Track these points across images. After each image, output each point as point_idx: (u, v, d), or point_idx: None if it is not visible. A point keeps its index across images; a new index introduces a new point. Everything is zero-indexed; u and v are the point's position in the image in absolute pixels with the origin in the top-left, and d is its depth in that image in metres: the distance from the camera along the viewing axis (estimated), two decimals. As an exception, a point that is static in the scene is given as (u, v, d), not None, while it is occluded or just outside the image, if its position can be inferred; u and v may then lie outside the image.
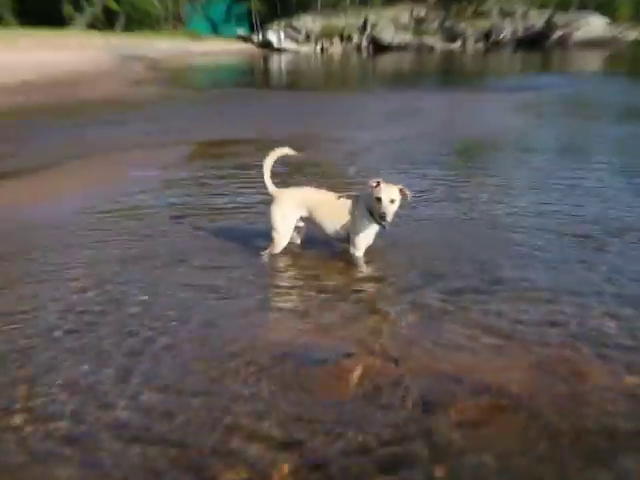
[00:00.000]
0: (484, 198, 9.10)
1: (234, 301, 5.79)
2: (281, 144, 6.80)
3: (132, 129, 17.39)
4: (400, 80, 33.67)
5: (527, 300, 5.72)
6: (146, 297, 5.99)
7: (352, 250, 6.53)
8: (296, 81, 35.72)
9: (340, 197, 6.56)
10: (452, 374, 4.55)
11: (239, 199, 9.29)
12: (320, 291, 6.01)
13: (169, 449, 3.98)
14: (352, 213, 6.40)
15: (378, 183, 6.03)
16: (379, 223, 6.17)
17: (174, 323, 5.49)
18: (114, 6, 73.48)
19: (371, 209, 6.17)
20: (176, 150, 13.89)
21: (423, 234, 7.49)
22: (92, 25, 70.96)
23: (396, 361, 4.65)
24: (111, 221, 8.38)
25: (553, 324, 5.31)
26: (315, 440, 3.97)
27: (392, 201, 5.96)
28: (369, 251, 6.67)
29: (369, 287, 6.13)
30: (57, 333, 5.36)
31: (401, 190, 6.02)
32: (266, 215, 6.70)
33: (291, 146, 6.76)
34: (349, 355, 4.71)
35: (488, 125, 16.25)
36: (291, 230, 6.73)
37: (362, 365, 4.59)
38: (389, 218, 5.99)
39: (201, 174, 11.30)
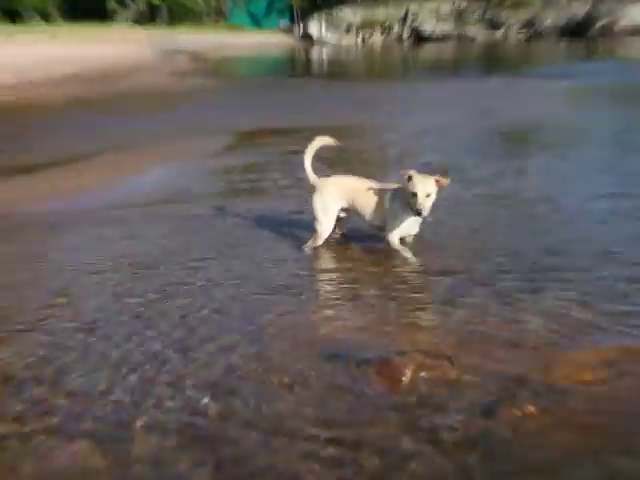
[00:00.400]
0: (531, 186, 8.80)
1: (279, 297, 5.59)
2: (324, 133, 6.64)
3: (179, 119, 17.48)
4: (442, 69, 33.30)
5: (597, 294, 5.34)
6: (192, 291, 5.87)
7: (388, 237, 6.34)
8: (338, 72, 35.38)
9: (382, 186, 6.37)
10: (511, 374, 4.27)
11: (282, 186, 9.25)
12: (366, 286, 5.79)
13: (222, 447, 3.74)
14: (390, 205, 6.22)
15: (411, 177, 5.82)
16: (417, 214, 5.94)
17: (218, 316, 5.31)
18: (157, 1, 73.84)
19: (408, 202, 5.97)
20: (222, 138, 14.08)
21: (470, 223, 7.24)
22: (136, 20, 71.40)
23: (450, 359, 4.39)
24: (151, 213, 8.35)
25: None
26: (364, 447, 3.69)
27: (428, 195, 5.78)
28: (417, 241, 6.47)
29: (417, 282, 5.85)
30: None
31: (437, 181, 5.81)
32: (308, 205, 6.56)
33: (334, 135, 6.58)
34: (400, 353, 4.44)
35: (534, 113, 15.89)
36: (333, 221, 6.54)
37: (415, 364, 4.33)
38: (426, 213, 5.83)
39: (245, 161, 11.38)
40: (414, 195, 5.78)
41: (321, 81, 29.30)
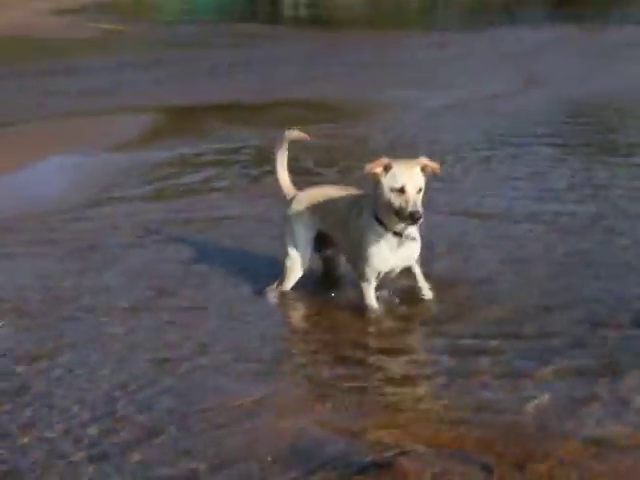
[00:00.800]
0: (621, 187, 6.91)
1: (229, 379, 4.18)
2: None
3: (60, 85, 14.43)
4: (487, 10, 25.56)
5: None
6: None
7: (359, 281, 4.80)
8: (326, 16, 25.42)
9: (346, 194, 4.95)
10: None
11: (230, 205, 7.19)
12: (343, 358, 4.37)
13: None
14: (353, 223, 4.70)
15: (389, 166, 4.37)
16: (396, 233, 4.47)
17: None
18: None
19: (378, 214, 4.51)
20: (132, 121, 11.48)
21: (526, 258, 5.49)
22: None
23: (488, 468, 3.24)
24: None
25: None
26: None
27: (420, 190, 4.37)
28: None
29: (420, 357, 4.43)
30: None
31: (424, 167, 4.45)
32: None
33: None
34: (405, 453, 3.38)
35: (629, 81, 12.63)
36: (307, 254, 5.04)
37: (430, 470, 3.22)
38: (422, 214, 4.30)
39: (172, 158, 9.07)
40: (400, 191, 4.28)
41: (299, 31, 22.35)
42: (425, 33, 20.51)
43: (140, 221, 6.76)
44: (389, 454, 3.41)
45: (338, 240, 4.89)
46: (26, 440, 3.56)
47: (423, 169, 4.42)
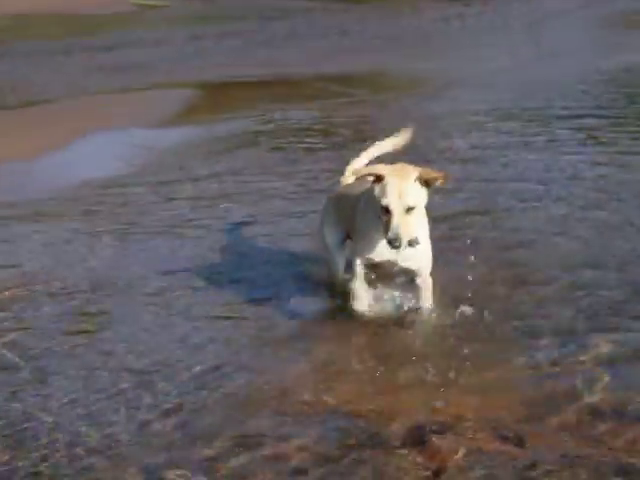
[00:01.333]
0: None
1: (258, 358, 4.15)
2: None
3: (98, 61, 14.51)
4: None
5: None
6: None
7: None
8: None
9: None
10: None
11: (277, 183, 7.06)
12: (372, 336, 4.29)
13: None
14: (357, 211, 4.34)
15: (380, 177, 3.86)
16: (390, 244, 3.86)
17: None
18: None
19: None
20: (170, 96, 11.46)
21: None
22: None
23: (520, 440, 3.22)
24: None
25: None
26: None
27: (409, 210, 3.80)
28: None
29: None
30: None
31: (422, 178, 3.85)
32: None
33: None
34: (440, 431, 3.33)
35: None
36: (335, 257, 4.67)
37: (464, 446, 3.19)
38: (404, 243, 3.79)
39: (215, 135, 8.96)
40: (385, 211, 3.79)
41: (332, 3, 21.50)
42: (444, 4, 19.88)
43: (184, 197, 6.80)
44: (422, 431, 3.37)
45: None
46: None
47: (425, 181, 3.87)
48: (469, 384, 3.71)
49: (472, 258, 4.61)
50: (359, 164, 4.59)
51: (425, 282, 4.15)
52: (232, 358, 4.09)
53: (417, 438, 3.30)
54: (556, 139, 7.88)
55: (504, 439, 3.27)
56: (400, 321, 4.26)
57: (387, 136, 4.71)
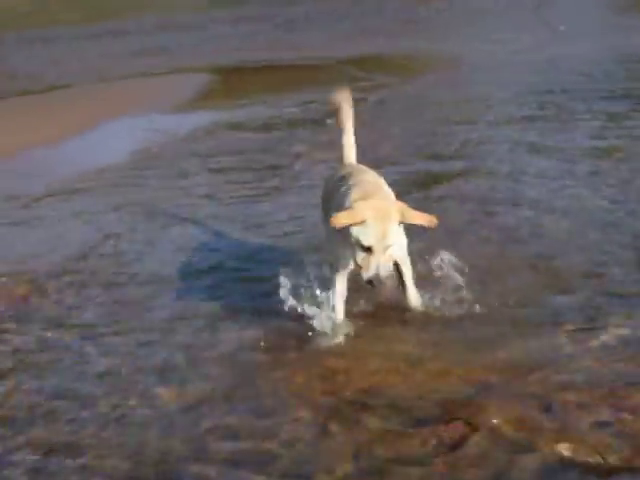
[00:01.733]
0: None
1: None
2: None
3: (115, 47, 14.51)
4: None
5: None
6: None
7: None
8: None
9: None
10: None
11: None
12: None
13: None
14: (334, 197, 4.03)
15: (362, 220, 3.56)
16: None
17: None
18: None
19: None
20: (188, 81, 11.43)
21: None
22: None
23: (548, 408, 3.16)
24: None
25: None
26: None
27: (388, 247, 3.60)
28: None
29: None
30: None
31: (403, 221, 3.63)
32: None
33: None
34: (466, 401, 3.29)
35: None
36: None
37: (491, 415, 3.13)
38: (382, 281, 3.68)
39: (234, 120, 8.86)
40: (363, 249, 3.56)
41: None
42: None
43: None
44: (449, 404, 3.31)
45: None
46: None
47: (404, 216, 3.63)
48: (490, 358, 3.63)
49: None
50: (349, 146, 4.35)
51: (405, 266, 3.98)
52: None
53: (444, 411, 3.24)
54: (577, 118, 7.72)
55: (532, 407, 3.21)
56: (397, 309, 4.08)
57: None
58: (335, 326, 3.95)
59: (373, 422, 3.25)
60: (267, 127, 8.62)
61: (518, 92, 9.01)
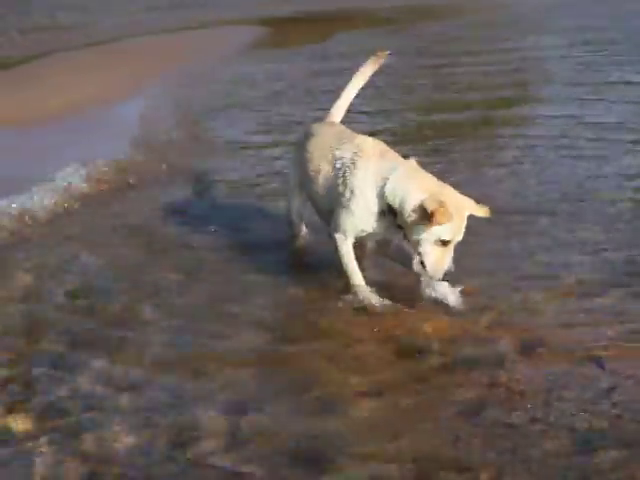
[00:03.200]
0: None
1: None
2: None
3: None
4: None
5: None
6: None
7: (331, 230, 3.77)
8: None
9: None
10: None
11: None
12: None
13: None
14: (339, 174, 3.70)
15: (441, 205, 3.26)
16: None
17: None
18: None
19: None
20: (236, 33, 11.43)
21: None
22: None
23: (600, 361, 3.15)
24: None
25: None
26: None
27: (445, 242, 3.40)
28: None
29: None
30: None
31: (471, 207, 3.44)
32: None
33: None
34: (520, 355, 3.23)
35: None
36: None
37: (544, 369, 3.12)
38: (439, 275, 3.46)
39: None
40: (442, 244, 3.39)
41: None
42: None
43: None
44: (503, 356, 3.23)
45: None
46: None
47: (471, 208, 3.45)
48: (542, 311, 3.59)
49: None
50: (342, 104, 4.18)
51: None
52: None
53: (500, 362, 3.18)
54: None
55: (584, 362, 3.17)
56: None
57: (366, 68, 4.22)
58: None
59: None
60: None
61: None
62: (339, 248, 3.63)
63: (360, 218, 3.52)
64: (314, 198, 3.85)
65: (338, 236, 3.61)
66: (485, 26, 10.25)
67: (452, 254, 3.40)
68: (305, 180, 3.87)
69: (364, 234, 3.64)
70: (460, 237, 3.39)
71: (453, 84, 7.85)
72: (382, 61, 4.24)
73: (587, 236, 4.29)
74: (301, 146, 3.96)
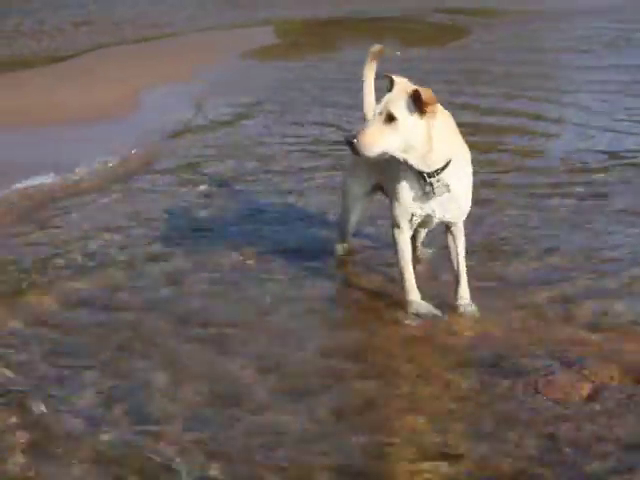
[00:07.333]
0: None
1: None
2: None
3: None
4: None
5: None
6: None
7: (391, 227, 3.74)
8: None
9: None
10: None
11: None
12: None
13: None
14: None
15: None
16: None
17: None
18: None
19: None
20: (274, 33, 12.11)
21: None
22: None
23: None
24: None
25: None
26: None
27: (391, 119, 3.20)
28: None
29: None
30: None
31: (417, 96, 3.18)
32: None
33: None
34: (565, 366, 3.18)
35: None
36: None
37: (589, 381, 3.08)
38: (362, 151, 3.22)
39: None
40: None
41: None
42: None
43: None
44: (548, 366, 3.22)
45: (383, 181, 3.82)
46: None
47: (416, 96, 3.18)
48: (591, 322, 3.57)
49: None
50: (369, 105, 3.98)
51: (460, 230, 3.65)
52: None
53: (544, 372, 3.16)
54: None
55: (630, 374, 3.12)
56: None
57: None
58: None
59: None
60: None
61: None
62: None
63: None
64: None
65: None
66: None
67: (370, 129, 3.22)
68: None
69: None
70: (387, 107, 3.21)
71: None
72: (380, 55, 4.00)
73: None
74: None
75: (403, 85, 3.26)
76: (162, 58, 10.21)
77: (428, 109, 3.19)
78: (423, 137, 3.23)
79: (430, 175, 3.30)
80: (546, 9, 12.65)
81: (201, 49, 10.78)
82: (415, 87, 3.20)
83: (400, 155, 3.27)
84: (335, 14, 13.14)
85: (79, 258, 4.49)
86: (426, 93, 3.17)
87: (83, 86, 8.77)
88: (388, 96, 3.24)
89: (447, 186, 3.36)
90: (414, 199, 3.44)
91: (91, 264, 4.41)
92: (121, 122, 7.59)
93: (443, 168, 3.33)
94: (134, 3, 15.13)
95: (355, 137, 3.18)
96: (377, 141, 3.19)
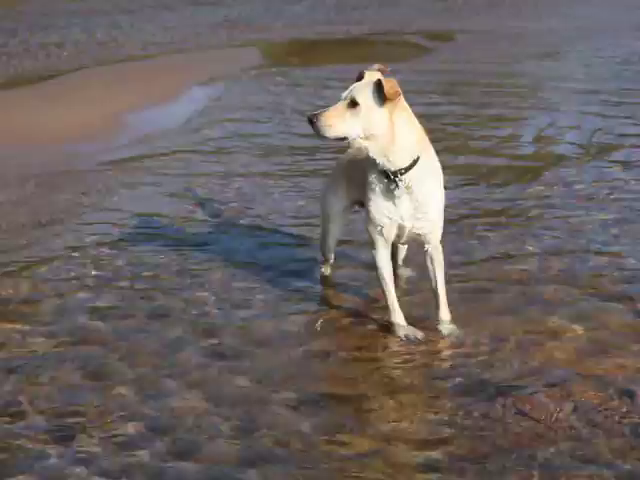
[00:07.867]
0: None
1: None
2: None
3: (193, 16, 15.23)
4: None
5: None
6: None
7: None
8: None
9: None
10: None
11: None
12: None
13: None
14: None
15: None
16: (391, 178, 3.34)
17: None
18: None
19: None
20: (260, 53, 12.30)
21: None
22: None
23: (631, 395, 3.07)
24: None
25: None
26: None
27: (354, 103, 3.24)
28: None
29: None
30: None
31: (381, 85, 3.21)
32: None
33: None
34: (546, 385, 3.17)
35: None
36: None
37: (570, 400, 3.07)
38: (322, 131, 3.23)
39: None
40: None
41: None
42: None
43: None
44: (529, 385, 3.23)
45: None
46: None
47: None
48: (570, 339, 3.58)
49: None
50: None
51: (437, 251, 3.63)
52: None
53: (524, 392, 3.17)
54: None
55: (613, 394, 3.11)
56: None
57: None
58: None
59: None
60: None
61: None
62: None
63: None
64: None
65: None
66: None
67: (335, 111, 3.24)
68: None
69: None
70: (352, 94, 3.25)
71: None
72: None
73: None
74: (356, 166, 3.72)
75: (372, 76, 3.29)
76: (146, 78, 10.27)
77: (390, 97, 3.19)
78: (384, 126, 3.25)
79: (394, 174, 3.31)
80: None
81: (186, 69, 10.89)
82: (380, 77, 3.26)
83: (361, 143, 3.28)
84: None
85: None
86: (389, 83, 3.20)
87: (65, 106, 8.81)
88: (356, 84, 3.30)
89: (410, 187, 3.36)
90: (383, 204, 3.43)
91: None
92: (102, 143, 7.59)
93: (408, 168, 3.33)
94: (116, 24, 15.00)
95: (316, 117, 3.20)
96: (337, 124, 3.21)
